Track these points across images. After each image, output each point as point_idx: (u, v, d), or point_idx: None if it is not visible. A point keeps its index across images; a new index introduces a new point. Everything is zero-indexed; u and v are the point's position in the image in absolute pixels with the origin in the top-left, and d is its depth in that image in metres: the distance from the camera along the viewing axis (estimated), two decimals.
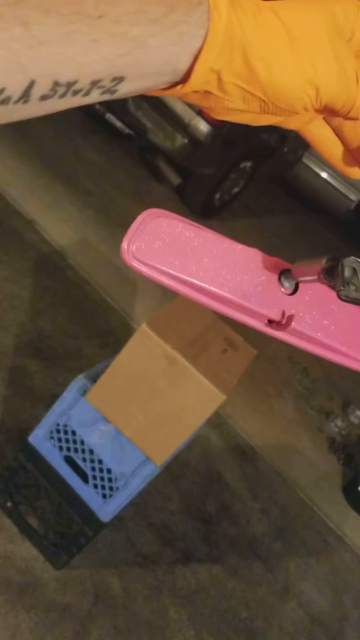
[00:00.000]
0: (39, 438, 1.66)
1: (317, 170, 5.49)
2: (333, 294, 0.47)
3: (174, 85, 0.35)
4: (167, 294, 1.58)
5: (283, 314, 0.47)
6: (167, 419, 1.45)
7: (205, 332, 1.52)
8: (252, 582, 2.21)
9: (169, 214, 0.45)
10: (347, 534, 2.75)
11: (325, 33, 0.35)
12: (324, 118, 0.42)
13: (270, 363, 3.48)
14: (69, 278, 2.90)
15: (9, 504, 1.79)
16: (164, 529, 2.14)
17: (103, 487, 1.61)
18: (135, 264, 0.43)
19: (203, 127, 3.71)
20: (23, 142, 3.54)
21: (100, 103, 4.01)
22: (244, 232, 4.73)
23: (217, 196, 4.44)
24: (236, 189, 4.68)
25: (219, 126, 3.70)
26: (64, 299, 2.75)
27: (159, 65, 0.32)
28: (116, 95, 0.33)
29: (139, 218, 0.43)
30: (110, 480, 1.60)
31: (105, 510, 1.64)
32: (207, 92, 0.35)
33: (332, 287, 0.42)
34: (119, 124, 4.03)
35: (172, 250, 0.44)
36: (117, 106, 3.94)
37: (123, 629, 1.78)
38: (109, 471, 1.59)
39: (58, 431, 1.63)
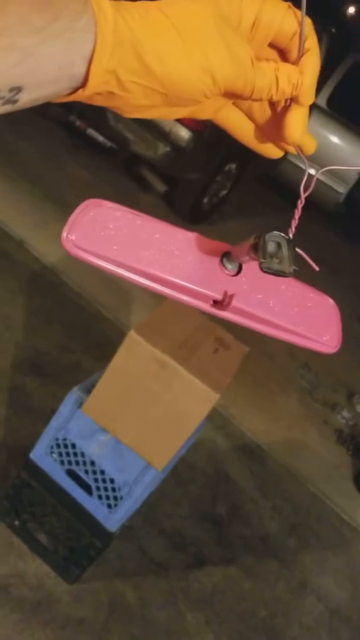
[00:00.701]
0: (40, 454, 1.67)
1: (302, 166, 5.50)
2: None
3: (75, 90, 0.36)
4: (161, 301, 1.59)
5: (225, 293, 0.48)
6: (164, 422, 1.45)
7: (194, 333, 1.53)
8: (268, 581, 2.20)
9: (109, 203, 0.46)
10: None
11: (212, 23, 0.37)
12: (233, 103, 0.44)
13: (271, 360, 3.48)
14: (62, 293, 2.92)
15: (16, 523, 1.80)
16: (175, 534, 2.14)
17: (107, 497, 1.62)
18: (77, 252, 0.44)
19: (184, 133, 3.73)
20: (7, 165, 3.56)
21: (81, 119, 4.04)
22: (235, 234, 4.75)
23: (205, 200, 4.46)
24: (224, 192, 4.70)
25: (200, 131, 3.72)
26: (58, 314, 2.76)
27: (54, 72, 0.34)
28: (18, 106, 0.34)
29: (79, 208, 0.44)
30: (113, 489, 1.60)
31: (112, 520, 1.64)
32: (110, 93, 0.37)
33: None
34: (101, 138, 4.06)
35: (114, 236, 0.45)
36: (98, 121, 3.97)
37: (141, 638, 1.78)
38: (111, 481, 1.59)
39: (58, 445, 1.63)
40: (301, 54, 0.41)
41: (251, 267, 0.50)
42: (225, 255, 0.49)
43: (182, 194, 4.29)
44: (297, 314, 0.52)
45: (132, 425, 1.47)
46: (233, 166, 4.52)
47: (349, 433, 3.29)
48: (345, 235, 6.16)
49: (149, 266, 0.46)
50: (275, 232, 0.43)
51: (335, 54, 5.44)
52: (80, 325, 2.78)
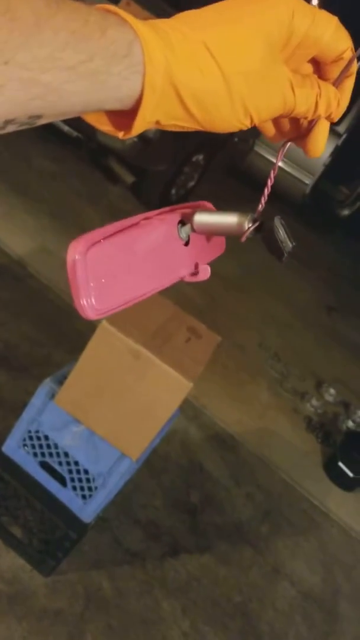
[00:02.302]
0: (12, 447, 1.65)
1: (269, 157, 5.55)
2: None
3: (112, 124, 0.36)
4: None
5: (196, 265, 0.50)
6: (138, 413, 1.45)
7: (166, 323, 1.53)
8: (242, 567, 2.23)
9: (91, 237, 0.42)
10: (332, 510, 2.79)
11: (259, 58, 0.35)
12: None
13: (241, 351, 3.51)
14: (31, 287, 2.88)
15: None
16: (150, 524, 2.15)
17: (82, 489, 1.61)
18: (100, 315, 0.41)
19: None
20: None
21: None
22: None
23: (173, 191, 4.46)
24: (191, 183, 4.71)
25: None
26: (27, 308, 2.73)
27: (79, 107, 0.32)
28: (37, 124, 0.33)
29: (76, 265, 0.40)
30: (88, 480, 1.60)
31: (86, 511, 1.64)
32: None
33: (269, 247, 0.44)
34: (66, 128, 4.01)
35: (117, 278, 0.43)
36: None
37: (118, 627, 1.78)
38: (85, 472, 1.59)
39: (31, 438, 1.62)
40: (344, 77, 0.40)
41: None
42: (181, 223, 0.49)
43: (150, 185, 4.28)
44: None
45: (106, 415, 1.47)
46: (200, 157, 4.53)
47: (318, 421, 3.34)
48: (311, 227, 6.23)
49: (147, 287, 0.46)
50: (276, 218, 0.44)
51: None
52: (50, 319, 2.76)
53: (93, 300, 0.40)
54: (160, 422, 1.46)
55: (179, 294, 3.04)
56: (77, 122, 3.86)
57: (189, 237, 0.50)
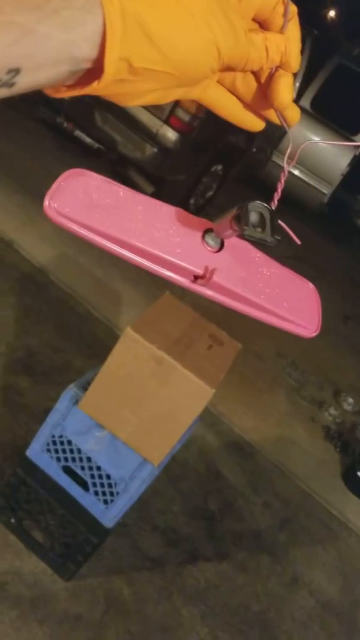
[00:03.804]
0: (36, 451, 1.68)
1: (282, 162, 5.55)
2: (257, 252, 0.50)
3: (85, 82, 0.36)
4: (150, 302, 1.61)
5: (206, 269, 0.48)
6: (160, 418, 1.47)
7: (189, 330, 1.56)
8: (260, 575, 2.23)
9: (93, 173, 0.45)
10: (351, 520, 2.78)
11: None
12: (217, 81, 0.45)
13: (259, 359, 3.52)
14: (52, 294, 2.92)
15: (12, 520, 1.80)
16: (169, 530, 2.16)
17: (104, 494, 1.63)
18: (60, 219, 0.43)
19: (171, 134, 3.76)
20: None
21: (68, 121, 4.05)
22: None
23: (192, 201, 4.49)
24: (210, 193, 4.74)
25: (186, 132, 3.76)
26: (48, 314, 2.77)
27: (53, 53, 0.32)
28: (15, 90, 0.33)
29: (61, 176, 0.44)
30: (110, 485, 1.61)
31: (108, 515, 1.65)
32: (120, 81, 0.36)
33: (240, 231, 0.44)
34: (88, 139, 4.07)
35: (97, 206, 0.45)
36: (85, 122, 3.98)
37: (137, 633, 1.80)
38: (107, 477, 1.61)
39: (54, 442, 1.65)
40: (286, 21, 0.42)
41: (233, 245, 0.50)
42: (208, 232, 0.49)
43: (169, 195, 4.31)
44: (277, 295, 0.51)
45: (128, 421, 1.49)
46: (219, 167, 4.56)
47: (337, 430, 3.33)
48: (329, 236, 6.22)
49: (130, 237, 0.46)
50: (258, 202, 0.44)
51: (318, 57, 5.51)
52: (71, 325, 2.80)
53: (56, 204, 0.43)
54: (182, 428, 1.48)
55: (196, 302, 3.06)
56: (98, 134, 3.91)
57: (221, 246, 0.50)
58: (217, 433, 2.76)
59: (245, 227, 0.43)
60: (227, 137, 4.30)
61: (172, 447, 1.55)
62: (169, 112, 3.64)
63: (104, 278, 3.29)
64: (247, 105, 0.47)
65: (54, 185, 0.45)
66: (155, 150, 3.79)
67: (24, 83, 0.33)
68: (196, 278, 0.49)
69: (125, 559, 1.97)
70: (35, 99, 4.16)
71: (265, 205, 0.44)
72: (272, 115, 0.46)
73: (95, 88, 0.36)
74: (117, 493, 1.61)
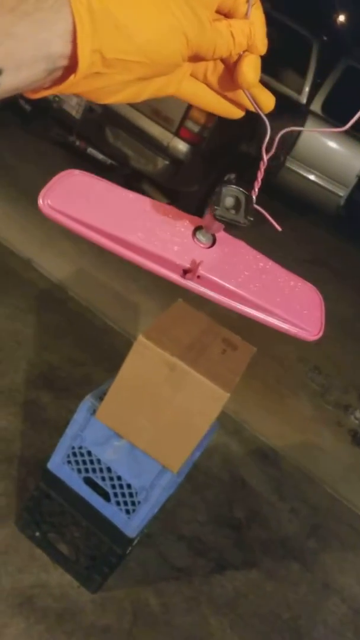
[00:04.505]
0: (57, 463, 1.69)
1: (302, 172, 5.56)
2: (253, 252, 0.50)
3: (63, 79, 0.37)
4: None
5: (193, 262, 0.49)
6: (177, 424, 1.47)
7: (202, 336, 1.56)
8: (290, 583, 2.20)
9: (87, 173, 0.47)
10: None
11: None
12: (191, 74, 0.46)
13: (280, 365, 3.49)
14: (71, 309, 2.96)
15: (37, 534, 1.81)
16: (195, 540, 2.15)
17: (125, 503, 1.63)
18: (54, 215, 0.45)
19: (182, 146, 3.79)
20: (10, 186, 3.63)
21: (81, 139, 4.11)
22: None
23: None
24: None
25: (197, 143, 3.79)
26: (67, 329, 2.80)
27: (31, 52, 0.34)
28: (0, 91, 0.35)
29: (56, 176, 0.46)
30: (131, 495, 1.62)
31: (131, 525, 1.65)
32: (95, 74, 0.38)
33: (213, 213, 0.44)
34: (101, 156, 4.13)
35: (89, 202, 0.47)
36: (97, 140, 4.04)
37: None
38: (128, 486, 1.61)
39: (74, 454, 1.66)
40: (250, 7, 0.44)
41: (225, 242, 0.50)
42: (199, 229, 0.50)
43: (183, 206, 4.30)
44: (275, 295, 0.50)
45: (146, 428, 1.50)
46: (232, 176, 4.57)
47: None
48: (347, 238, 6.18)
49: (121, 232, 0.47)
50: (234, 186, 0.44)
51: (327, 60, 5.52)
52: (90, 339, 2.82)
53: (50, 200, 0.46)
54: (199, 434, 1.48)
55: (214, 311, 3.06)
56: (110, 151, 3.97)
57: (213, 242, 0.51)
58: (241, 441, 2.74)
59: (216, 207, 0.44)
60: (238, 146, 4.32)
61: (191, 454, 1.55)
62: (178, 124, 3.67)
63: (121, 291, 3.32)
64: (224, 95, 0.48)
65: (48, 184, 0.47)
66: (167, 162, 3.83)
67: (7, 84, 0.35)
68: (185, 273, 0.49)
69: (152, 570, 1.96)
70: (49, 122, 4.24)
71: (241, 189, 0.45)
72: (247, 102, 0.47)
73: (72, 81, 0.37)
74: (139, 502, 1.61)
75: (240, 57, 0.45)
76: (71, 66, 0.37)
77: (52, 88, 0.39)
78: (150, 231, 0.49)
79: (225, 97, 0.48)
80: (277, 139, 0.48)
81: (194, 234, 0.50)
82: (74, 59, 0.36)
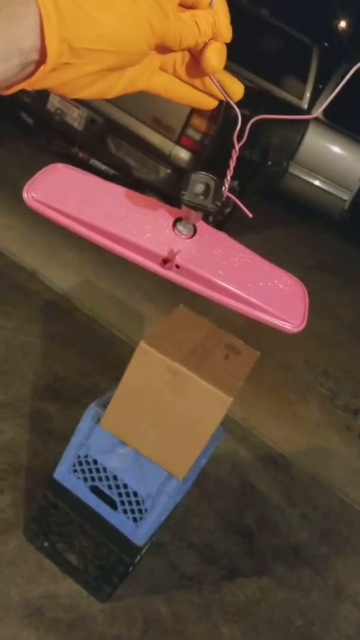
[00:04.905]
0: (63, 473, 1.69)
1: (305, 177, 5.56)
2: (230, 240, 0.50)
3: (32, 72, 0.38)
4: None
5: (171, 251, 0.49)
6: (181, 430, 1.47)
7: (204, 341, 1.56)
8: (302, 589, 2.18)
9: (71, 167, 0.49)
10: None
11: None
12: (161, 68, 0.47)
13: (287, 370, 3.48)
14: (76, 319, 2.96)
15: (45, 544, 1.81)
16: (205, 548, 2.13)
17: (132, 511, 1.63)
18: (37, 206, 0.46)
19: (183, 154, 3.81)
20: (12, 199, 3.66)
21: (83, 151, 4.14)
22: None
23: (210, 219, 4.51)
24: (228, 209, 4.75)
25: (198, 151, 3.80)
26: (73, 339, 2.81)
27: (3, 48, 0.36)
28: None
29: (41, 170, 0.47)
30: (137, 503, 1.61)
31: (138, 533, 1.65)
32: (65, 65, 0.39)
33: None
34: (103, 167, 4.15)
35: (72, 194, 0.48)
36: (99, 151, 4.07)
37: None
38: (135, 494, 1.60)
39: (80, 463, 1.66)
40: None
41: (206, 233, 0.51)
42: (179, 220, 0.51)
43: None
44: (257, 286, 0.50)
45: (150, 435, 1.49)
46: (235, 183, 4.58)
47: None
48: (351, 242, 6.16)
49: (102, 223, 0.48)
50: (203, 172, 0.45)
51: (328, 66, 5.53)
52: (96, 349, 2.82)
53: (34, 193, 0.47)
54: (204, 439, 1.47)
55: (220, 316, 3.06)
56: (112, 161, 3.99)
57: (193, 232, 0.51)
58: (249, 447, 2.73)
59: (183, 192, 0.44)
60: (240, 153, 4.32)
61: (197, 460, 1.54)
62: (179, 133, 3.69)
63: (125, 300, 3.33)
64: (194, 86, 0.49)
65: (32, 178, 0.49)
66: (169, 171, 3.85)
67: None
68: (165, 263, 0.50)
69: (162, 578, 1.95)
70: (51, 134, 4.28)
71: (210, 175, 0.45)
72: (216, 91, 0.48)
73: (43, 72, 0.38)
74: (146, 510, 1.61)
75: (205, 45, 0.45)
76: (42, 60, 0.38)
77: (24, 82, 0.39)
78: (131, 222, 0.49)
79: (196, 88, 0.49)
80: (247, 128, 0.48)
81: (174, 224, 0.51)
82: (44, 52, 0.37)
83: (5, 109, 4.31)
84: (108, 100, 3.85)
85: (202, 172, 0.45)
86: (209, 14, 0.44)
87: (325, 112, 5.44)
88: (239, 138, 0.48)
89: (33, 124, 4.29)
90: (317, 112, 0.52)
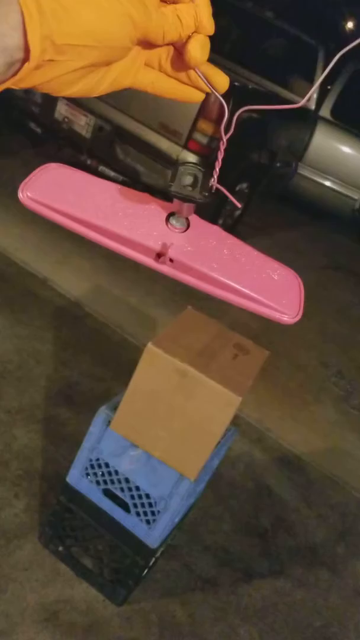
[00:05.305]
0: (76, 477, 1.70)
1: (315, 178, 5.54)
2: (224, 234, 0.51)
3: (17, 71, 0.39)
4: None
5: (164, 245, 0.50)
6: (191, 431, 1.47)
7: (212, 342, 1.56)
8: (320, 590, 2.16)
9: (65, 166, 0.49)
10: None
11: None
12: (146, 64, 0.48)
13: (302, 371, 3.46)
14: (88, 325, 2.98)
15: (61, 549, 1.82)
16: (221, 550, 2.13)
17: (145, 514, 1.63)
18: (32, 205, 0.48)
19: (191, 159, 3.82)
20: (23, 209, 3.69)
21: (92, 158, 4.17)
22: None
23: (220, 222, 4.52)
24: (238, 212, 4.76)
25: (206, 155, 3.81)
26: (86, 345, 2.82)
27: None
28: None
29: (35, 170, 0.49)
30: (150, 505, 1.61)
31: (152, 536, 1.65)
32: (49, 62, 0.39)
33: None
34: (112, 173, 4.18)
35: (66, 192, 0.49)
36: (108, 157, 4.10)
37: None
38: (147, 496, 1.61)
39: (92, 466, 1.66)
40: None
41: (200, 227, 0.51)
42: (172, 214, 0.51)
43: None
44: (251, 278, 0.51)
45: (160, 437, 1.50)
46: (244, 186, 4.58)
47: None
48: None
49: (96, 219, 0.49)
50: (191, 164, 0.46)
51: (335, 68, 5.52)
52: (108, 354, 2.84)
53: (29, 192, 0.48)
54: (213, 439, 1.47)
55: (234, 320, 3.06)
56: (121, 168, 4.01)
57: (186, 226, 0.52)
58: (264, 449, 2.71)
59: (170, 184, 0.45)
60: (248, 155, 4.33)
61: (208, 461, 1.54)
62: (186, 137, 3.71)
63: (137, 305, 3.34)
64: (181, 81, 0.49)
65: (27, 177, 0.50)
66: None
67: None
68: (159, 256, 0.50)
69: (178, 581, 1.95)
70: (59, 143, 4.32)
71: (199, 167, 0.46)
72: (202, 84, 0.48)
73: (27, 70, 0.39)
74: (158, 512, 1.61)
75: (188, 38, 0.46)
76: (27, 58, 0.38)
77: (9, 80, 0.40)
78: (125, 218, 0.50)
79: (183, 82, 0.49)
80: (234, 119, 0.49)
81: (167, 219, 0.51)
82: (28, 50, 0.38)
83: (14, 119, 4.36)
84: (115, 107, 3.88)
85: (190, 164, 0.46)
86: (191, 7, 0.45)
87: (332, 112, 5.43)
88: (227, 130, 0.49)
89: (41, 133, 4.33)
90: (302, 101, 0.52)
